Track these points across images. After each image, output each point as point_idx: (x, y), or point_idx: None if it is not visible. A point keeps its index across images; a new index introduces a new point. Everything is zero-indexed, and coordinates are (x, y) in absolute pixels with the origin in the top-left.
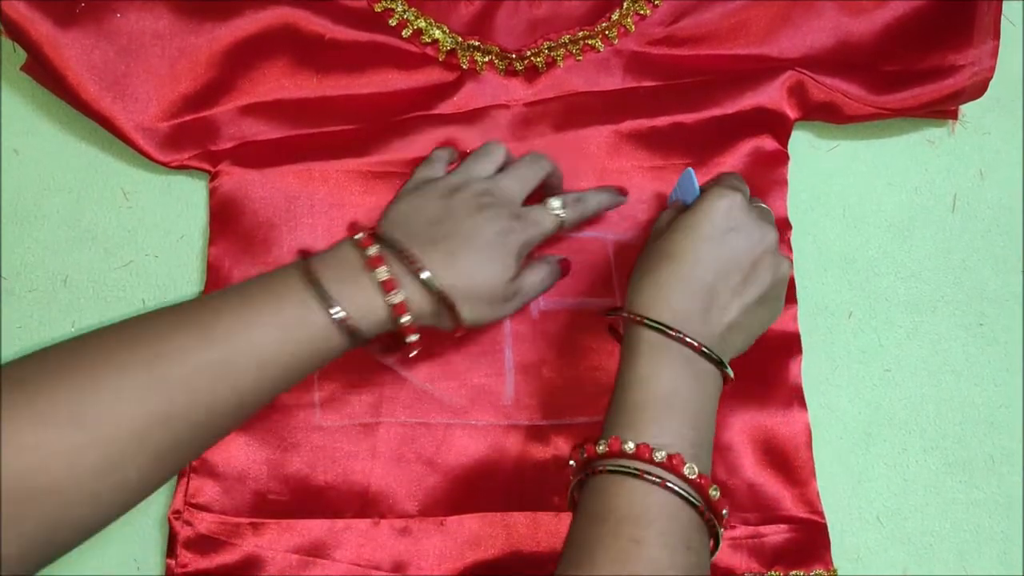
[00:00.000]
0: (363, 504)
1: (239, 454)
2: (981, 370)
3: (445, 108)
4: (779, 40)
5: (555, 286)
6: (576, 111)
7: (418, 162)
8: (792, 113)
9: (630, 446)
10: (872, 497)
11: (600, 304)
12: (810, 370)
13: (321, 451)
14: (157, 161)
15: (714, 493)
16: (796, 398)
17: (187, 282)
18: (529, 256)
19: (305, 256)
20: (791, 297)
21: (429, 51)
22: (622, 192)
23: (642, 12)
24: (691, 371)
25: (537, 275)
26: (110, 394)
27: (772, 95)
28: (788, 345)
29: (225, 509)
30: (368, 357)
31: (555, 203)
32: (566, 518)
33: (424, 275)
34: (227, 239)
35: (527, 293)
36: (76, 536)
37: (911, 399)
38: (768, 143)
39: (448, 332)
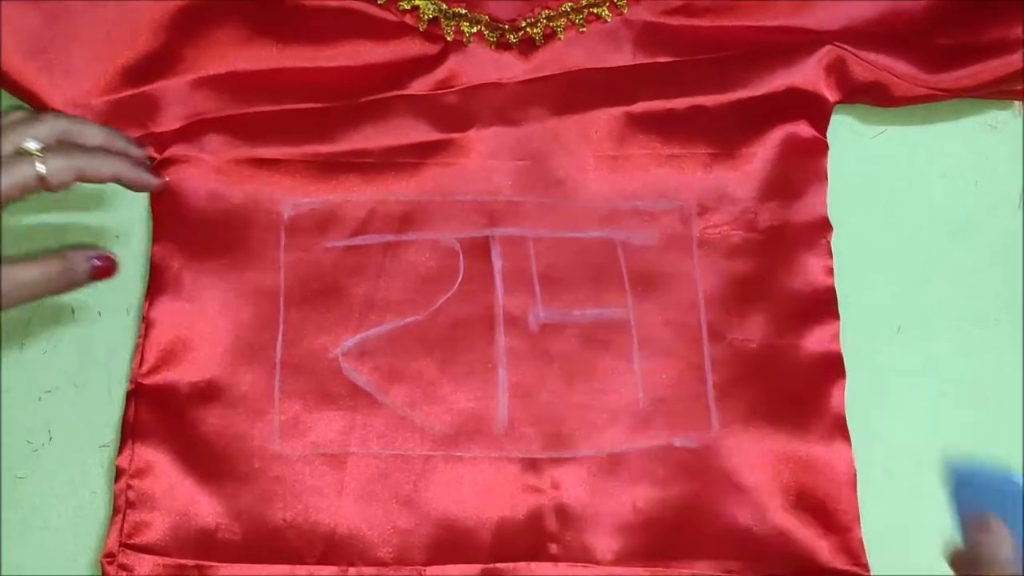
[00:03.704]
0: (328, 549)
1: (184, 485)
2: None
3: (425, 86)
4: (816, 9)
5: (558, 294)
6: (579, 91)
7: (395, 151)
8: (831, 95)
9: None
10: (925, 546)
11: (610, 316)
12: (854, 396)
13: (280, 484)
14: None
15: None
16: (837, 429)
17: (125, 288)
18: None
19: None
20: (831, 312)
21: (408, 19)
22: (156, 175)
23: None
24: None
25: (29, 271)
26: None
27: (808, 74)
28: (828, 367)
29: (168, 550)
30: (337, 374)
31: (32, 143)
32: (566, 569)
33: None
34: (174, 237)
35: (7, 294)
36: None
37: (971, 427)
38: (803, 130)
39: (431, 345)
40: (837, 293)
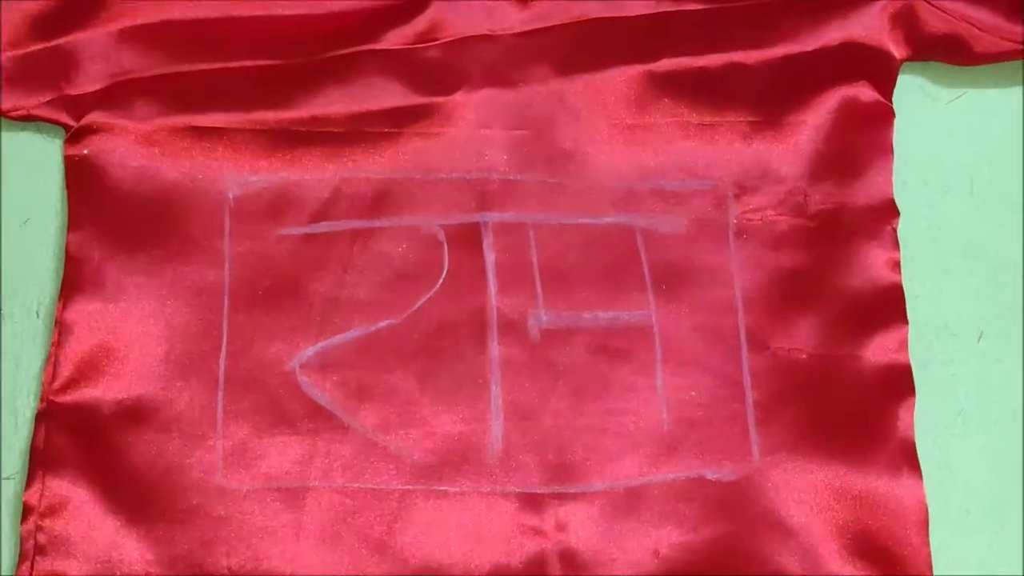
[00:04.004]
0: None
1: (106, 526)
2: None
3: (402, 39)
4: None
5: (564, 293)
6: (590, 45)
7: (364, 118)
8: (898, 51)
9: None
10: None
11: (628, 320)
12: (924, 418)
13: (224, 525)
14: None
15: None
16: (905, 458)
17: (35, 285)
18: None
19: None
20: (898, 315)
21: None
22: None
23: None
24: None
25: None
26: None
27: (869, 25)
28: (894, 383)
29: None
30: (294, 391)
31: None
32: None
33: None
34: (94, 223)
35: None
36: None
37: None
38: (864, 93)
39: (409, 355)
40: (906, 292)
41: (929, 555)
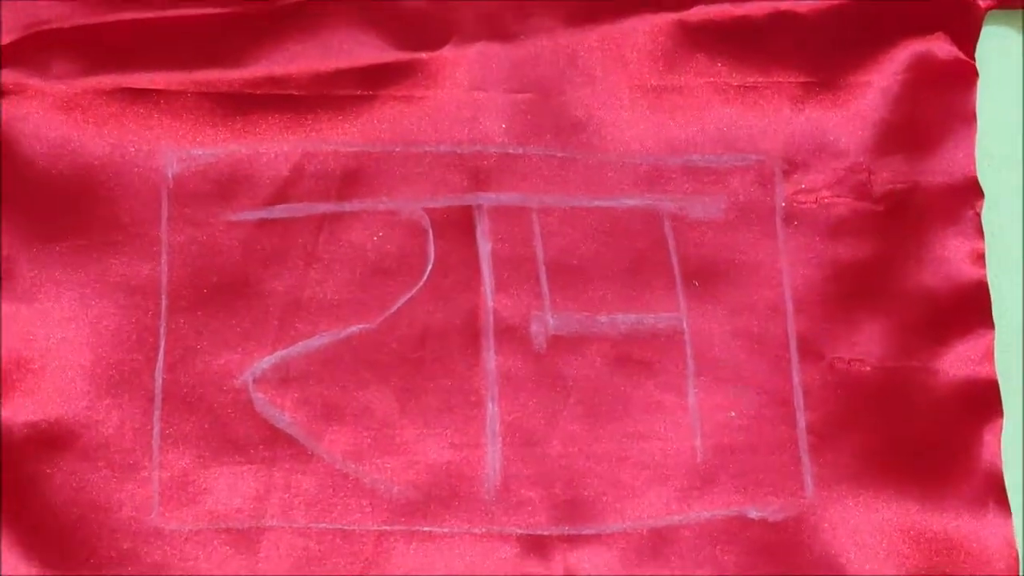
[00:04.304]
0: None
1: (18, 574)
2: None
3: None
4: None
5: (575, 292)
6: None
7: (332, 78)
8: None
9: None
10: None
11: (654, 324)
12: (1014, 442)
13: (162, 572)
14: None
15: None
16: (991, 491)
17: None
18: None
19: None
20: (982, 319)
21: None
22: None
23: None
24: None
25: None
26: None
27: None
28: (977, 400)
29: None
30: (246, 411)
31: None
32: None
33: None
34: (3, 207)
35: None
36: None
37: None
38: (941, 47)
39: (387, 368)
40: (991, 292)
41: None
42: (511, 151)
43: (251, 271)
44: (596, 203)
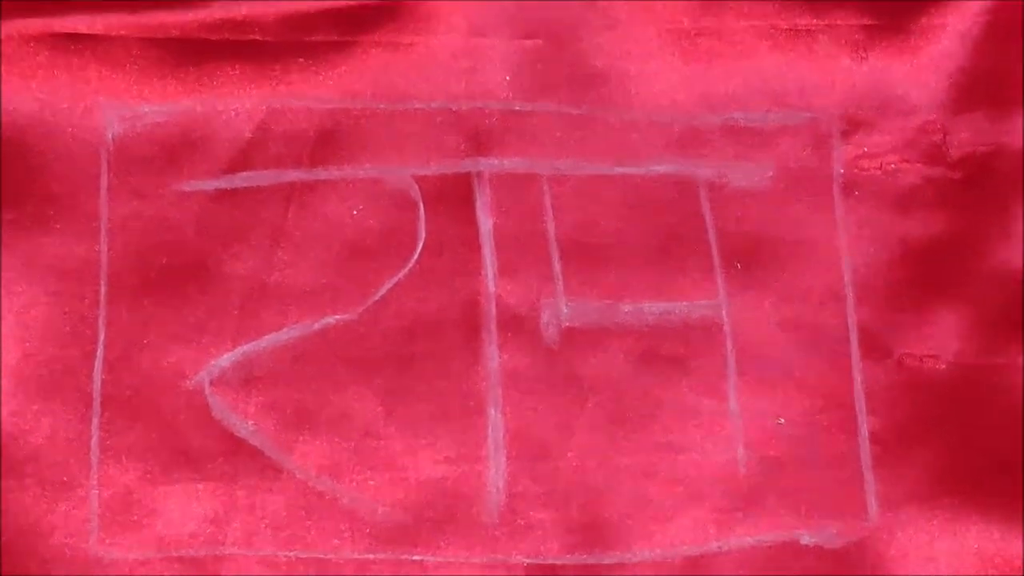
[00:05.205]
0: None
1: None
2: None
3: None
4: None
5: (593, 276)
6: None
7: (303, 22)
8: None
9: None
10: None
11: (688, 314)
12: None
13: None
14: None
15: None
16: None
17: None
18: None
19: None
20: None
21: None
22: None
23: None
24: None
25: None
26: None
27: None
28: None
29: None
30: (202, 417)
31: None
32: None
33: None
34: None
35: None
36: None
37: None
38: None
39: (371, 366)
40: None
41: None
42: (517, 108)
43: (207, 251)
44: (619, 170)
